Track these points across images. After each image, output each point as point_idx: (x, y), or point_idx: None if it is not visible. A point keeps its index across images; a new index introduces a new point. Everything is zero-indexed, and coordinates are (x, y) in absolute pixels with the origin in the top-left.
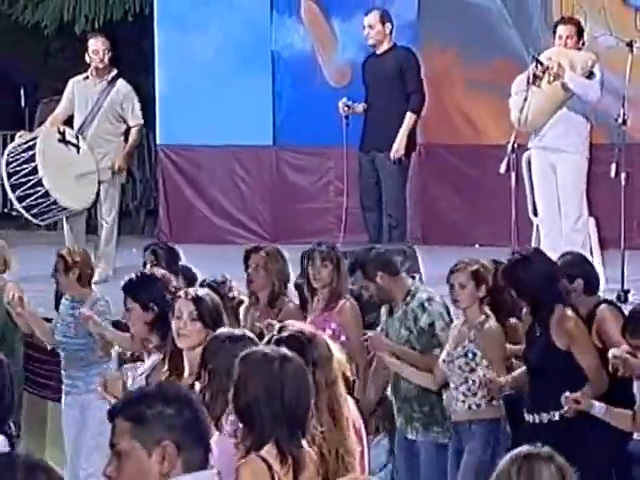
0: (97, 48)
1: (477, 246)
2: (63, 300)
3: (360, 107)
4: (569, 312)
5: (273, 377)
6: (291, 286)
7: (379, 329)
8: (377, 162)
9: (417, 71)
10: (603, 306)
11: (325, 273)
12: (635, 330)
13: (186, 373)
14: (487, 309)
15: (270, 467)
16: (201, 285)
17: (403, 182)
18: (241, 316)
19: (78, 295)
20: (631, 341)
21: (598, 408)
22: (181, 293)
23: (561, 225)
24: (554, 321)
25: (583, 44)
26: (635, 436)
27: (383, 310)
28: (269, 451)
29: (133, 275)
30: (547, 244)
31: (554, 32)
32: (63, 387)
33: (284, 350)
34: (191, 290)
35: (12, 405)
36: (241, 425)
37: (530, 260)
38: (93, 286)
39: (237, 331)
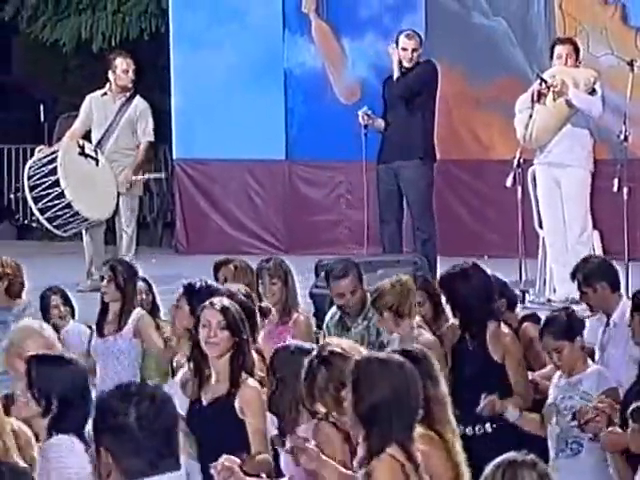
0: (127, 68)
1: (486, 257)
2: None
3: (380, 121)
4: (504, 327)
5: (400, 380)
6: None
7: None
8: (401, 174)
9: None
10: (528, 324)
11: (275, 289)
12: (555, 332)
13: (213, 380)
14: (418, 321)
15: (403, 465)
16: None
17: (430, 195)
18: None
19: (5, 304)
20: (551, 343)
21: (511, 413)
22: (207, 303)
23: (566, 237)
24: (490, 336)
25: (580, 62)
26: None
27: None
28: (396, 451)
29: (198, 282)
30: (552, 255)
31: (551, 52)
32: None
33: (398, 356)
34: (217, 300)
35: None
36: (362, 428)
37: (468, 274)
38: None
39: (305, 344)
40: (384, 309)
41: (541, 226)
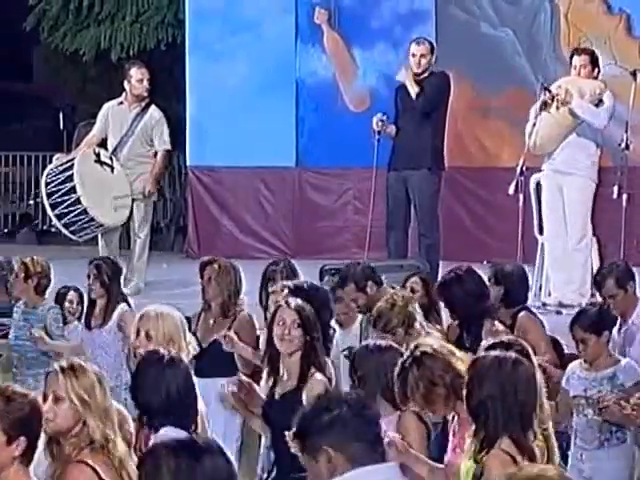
0: (142, 77)
1: (485, 263)
2: (18, 305)
3: (392, 127)
4: (499, 325)
5: (507, 377)
6: None
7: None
8: (410, 182)
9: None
10: (523, 313)
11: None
12: (572, 326)
13: (285, 376)
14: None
15: (514, 459)
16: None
17: (437, 204)
18: (194, 323)
19: (32, 301)
20: (579, 333)
21: None
22: (283, 302)
23: (565, 243)
24: (485, 333)
25: (599, 72)
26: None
27: (363, 318)
28: (509, 445)
29: (304, 283)
30: (550, 261)
31: (570, 62)
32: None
33: (514, 354)
34: (292, 300)
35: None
36: (474, 422)
37: (462, 278)
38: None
39: (383, 342)
40: (395, 329)
41: (541, 232)
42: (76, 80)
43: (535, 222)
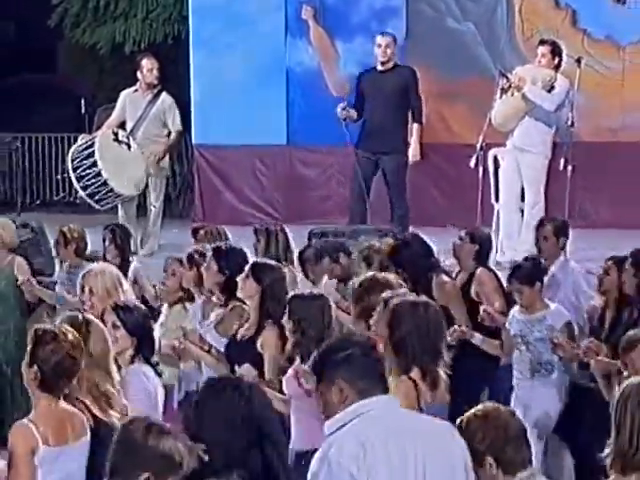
0: (152, 67)
1: (450, 227)
2: (62, 266)
3: (353, 112)
4: (445, 277)
5: (420, 318)
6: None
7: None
8: (383, 164)
9: (418, 88)
10: (480, 269)
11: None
12: (510, 278)
13: (248, 323)
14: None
15: (416, 384)
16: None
17: (405, 179)
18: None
19: (74, 263)
20: (510, 287)
21: (477, 338)
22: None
23: (518, 211)
24: (435, 285)
25: (560, 61)
26: (502, 362)
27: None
28: (416, 373)
29: (223, 245)
30: (505, 225)
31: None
32: None
33: (424, 297)
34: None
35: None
36: (395, 356)
37: (409, 242)
38: (134, 258)
39: (315, 290)
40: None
41: (497, 200)
42: (94, 71)
43: (492, 191)
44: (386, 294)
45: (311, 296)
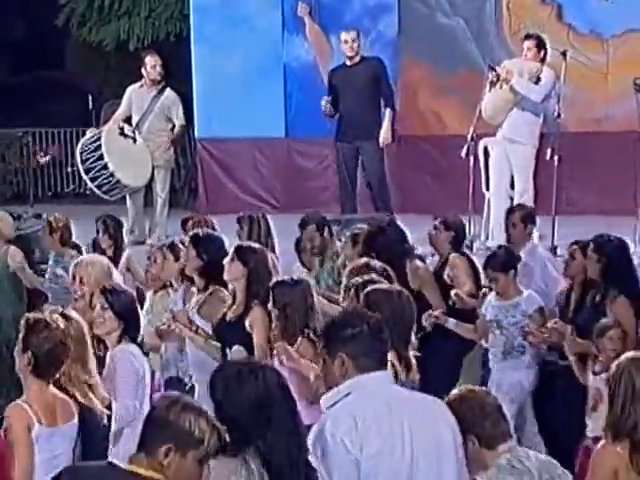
0: (155, 64)
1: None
2: (50, 256)
3: (332, 109)
4: (418, 262)
5: (397, 304)
6: None
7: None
8: (362, 150)
9: (388, 76)
10: (453, 254)
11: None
12: (485, 266)
13: (236, 303)
14: None
15: (393, 366)
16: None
17: (384, 167)
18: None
19: (59, 251)
20: (490, 273)
21: (451, 322)
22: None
23: (507, 199)
24: (409, 270)
25: (545, 54)
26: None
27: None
28: (394, 357)
29: (200, 231)
30: (495, 212)
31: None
32: None
33: (397, 286)
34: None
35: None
36: None
37: (384, 229)
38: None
39: (295, 277)
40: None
41: (488, 188)
42: (101, 68)
43: (483, 180)
44: (355, 280)
45: (293, 282)
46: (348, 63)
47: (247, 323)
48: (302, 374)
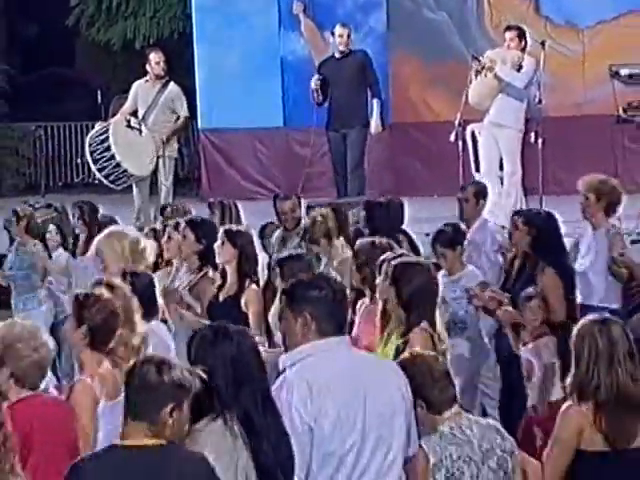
0: (159, 60)
1: (435, 196)
2: (14, 244)
3: (321, 96)
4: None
5: (425, 278)
6: None
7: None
8: (349, 136)
9: (373, 66)
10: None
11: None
12: (434, 243)
13: (228, 284)
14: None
15: (431, 335)
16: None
17: (364, 153)
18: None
19: (23, 239)
20: (438, 249)
21: None
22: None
23: (498, 179)
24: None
25: (526, 44)
26: None
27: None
28: (427, 325)
29: (194, 217)
30: None
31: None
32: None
33: (424, 260)
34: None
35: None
36: (405, 312)
37: (387, 205)
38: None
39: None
40: (318, 240)
41: (477, 170)
42: (109, 65)
43: (472, 163)
44: (385, 255)
45: (298, 256)
46: (337, 55)
47: (242, 302)
48: None
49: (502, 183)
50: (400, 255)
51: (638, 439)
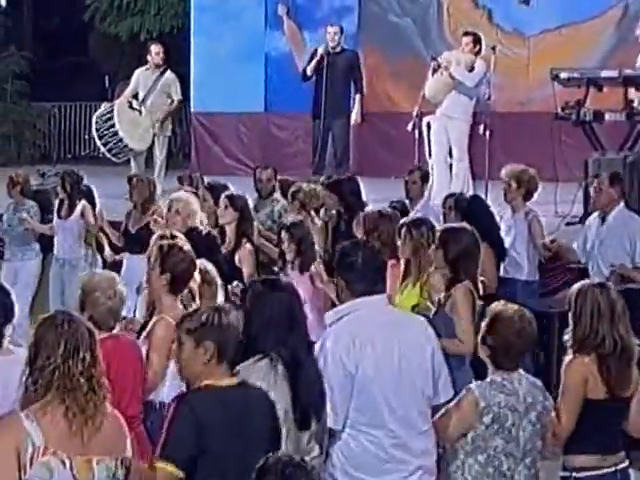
0: (158, 51)
1: (393, 178)
2: (10, 204)
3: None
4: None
5: (469, 239)
6: None
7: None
8: (334, 126)
9: (360, 66)
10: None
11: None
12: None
13: (227, 241)
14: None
15: (471, 290)
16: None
17: (349, 141)
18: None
19: (20, 201)
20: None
21: None
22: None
23: (447, 165)
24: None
25: (480, 49)
26: None
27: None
28: (469, 282)
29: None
30: (437, 176)
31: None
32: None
33: (467, 225)
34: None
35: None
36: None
37: (349, 180)
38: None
39: (299, 218)
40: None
41: (430, 156)
42: (117, 54)
43: (426, 149)
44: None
45: (301, 222)
46: (332, 51)
47: (236, 258)
48: (326, 294)
49: (451, 169)
50: (418, 219)
51: (631, 387)
